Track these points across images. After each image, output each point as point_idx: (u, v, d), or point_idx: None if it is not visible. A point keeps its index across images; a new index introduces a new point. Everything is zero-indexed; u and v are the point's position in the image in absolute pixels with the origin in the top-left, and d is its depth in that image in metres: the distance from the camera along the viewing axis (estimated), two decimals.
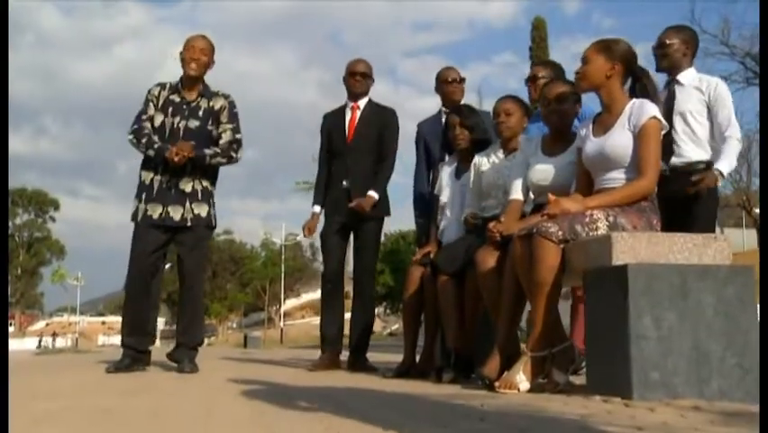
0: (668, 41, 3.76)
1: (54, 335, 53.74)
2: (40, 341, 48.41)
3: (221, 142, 4.20)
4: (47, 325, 73.92)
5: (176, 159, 3.96)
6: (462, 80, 4.58)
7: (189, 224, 4.11)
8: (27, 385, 3.32)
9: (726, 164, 3.58)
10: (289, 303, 62.21)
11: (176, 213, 4.09)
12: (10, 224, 57.01)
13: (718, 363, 2.37)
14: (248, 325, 63.97)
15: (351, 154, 4.60)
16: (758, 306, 2.48)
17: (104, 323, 79.15)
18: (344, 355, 4.68)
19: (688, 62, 3.77)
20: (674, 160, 3.61)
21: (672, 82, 3.74)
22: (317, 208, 4.69)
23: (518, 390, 2.68)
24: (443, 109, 4.54)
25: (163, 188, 4.10)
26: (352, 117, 4.67)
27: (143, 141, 4.08)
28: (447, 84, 4.53)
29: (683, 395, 2.31)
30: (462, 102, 4.51)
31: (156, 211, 4.08)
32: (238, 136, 4.23)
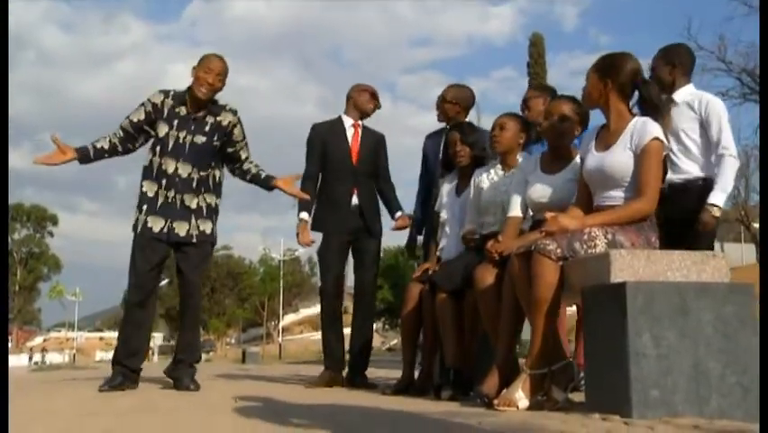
0: (653, 65, 3.84)
1: (44, 351, 53.70)
2: (30, 357, 48.27)
3: (247, 160, 4.23)
4: (44, 340, 73.64)
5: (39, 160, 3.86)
6: (443, 100, 4.51)
7: (195, 240, 4.06)
8: (25, 405, 3.30)
9: (719, 195, 3.57)
10: (288, 318, 62.04)
11: (181, 228, 4.03)
12: (8, 239, 56.92)
13: (718, 381, 2.36)
14: (246, 340, 63.74)
15: (359, 175, 4.62)
16: (758, 322, 2.48)
17: (101, 339, 78.88)
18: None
19: (680, 81, 3.79)
20: (672, 176, 3.62)
21: (667, 101, 3.76)
22: (306, 215, 4.61)
23: (517, 407, 2.67)
24: (448, 126, 4.55)
25: (168, 202, 4.02)
26: (354, 137, 4.67)
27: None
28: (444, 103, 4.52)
29: (683, 414, 2.30)
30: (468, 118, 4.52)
31: (157, 225, 4.01)
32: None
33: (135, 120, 4.07)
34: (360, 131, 4.69)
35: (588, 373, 2.71)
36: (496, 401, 2.72)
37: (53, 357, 51.41)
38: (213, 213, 4.17)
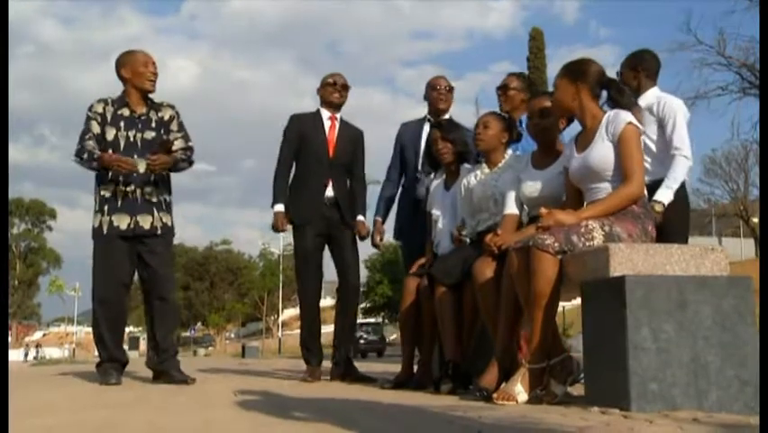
0: (620, 71, 3.91)
1: (38, 346, 54.00)
2: (26, 353, 48.55)
3: (174, 148, 4.21)
4: (44, 335, 73.65)
5: (122, 169, 3.97)
6: (450, 90, 4.55)
7: (160, 231, 4.14)
8: (22, 399, 3.30)
9: (664, 192, 3.52)
10: (287, 313, 62.02)
11: (145, 222, 4.10)
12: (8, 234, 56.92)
13: (717, 374, 2.37)
14: (246, 335, 63.78)
15: (334, 169, 4.61)
16: (757, 316, 2.48)
17: None
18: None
19: (646, 84, 3.85)
20: None
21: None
22: (282, 207, 4.57)
23: (516, 401, 2.68)
24: (429, 117, 4.55)
25: (129, 199, 4.09)
26: (331, 129, 4.66)
27: (85, 156, 4.05)
28: (434, 91, 4.54)
29: (682, 407, 2.31)
30: (449, 113, 4.53)
31: (123, 222, 4.07)
32: (190, 144, 4.32)
33: (96, 132, 4.16)
34: (337, 124, 4.69)
35: (587, 366, 2.71)
36: (495, 395, 2.73)
37: (52, 352, 51.51)
38: (170, 208, 4.27)
